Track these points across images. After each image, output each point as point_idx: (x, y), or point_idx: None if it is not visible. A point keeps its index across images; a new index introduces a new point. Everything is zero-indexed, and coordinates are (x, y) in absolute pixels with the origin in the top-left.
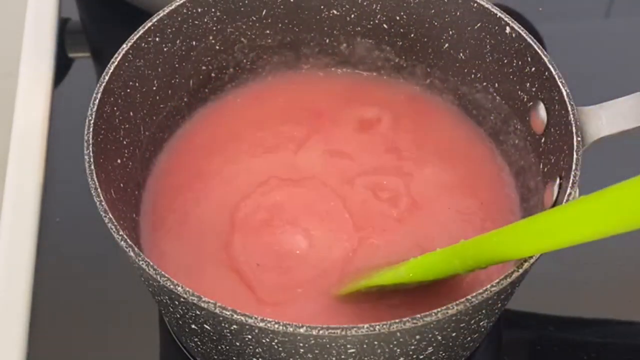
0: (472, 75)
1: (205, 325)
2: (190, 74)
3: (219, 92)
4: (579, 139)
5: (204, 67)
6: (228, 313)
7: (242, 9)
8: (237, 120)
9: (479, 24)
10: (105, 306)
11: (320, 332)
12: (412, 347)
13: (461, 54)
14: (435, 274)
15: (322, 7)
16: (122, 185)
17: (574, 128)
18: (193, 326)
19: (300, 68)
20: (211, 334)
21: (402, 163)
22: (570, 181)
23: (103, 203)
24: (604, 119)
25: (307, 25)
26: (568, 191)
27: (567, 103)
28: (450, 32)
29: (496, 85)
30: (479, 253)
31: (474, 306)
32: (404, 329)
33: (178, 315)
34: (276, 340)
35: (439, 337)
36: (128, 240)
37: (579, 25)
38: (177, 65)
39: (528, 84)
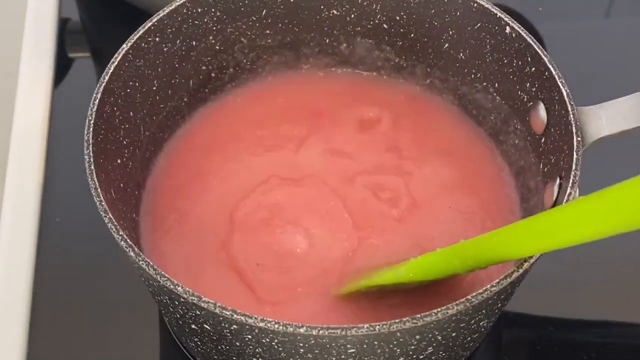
0: (472, 75)
1: (205, 325)
2: (190, 74)
3: (219, 92)
4: (579, 139)
5: (204, 67)
6: (228, 313)
7: (242, 9)
8: (237, 120)
9: (479, 24)
10: (105, 306)
11: (320, 332)
12: (412, 347)
13: (461, 54)
14: (435, 274)
15: (322, 7)
16: (122, 185)
17: (574, 128)
18: (193, 326)
19: (300, 68)
20: (211, 334)
21: (402, 162)
22: (570, 181)
23: (103, 203)
24: (604, 119)
25: (307, 25)
26: (568, 191)
27: (567, 103)
28: (450, 32)
29: (496, 85)
30: (479, 253)
31: (474, 306)
32: (404, 329)
33: (178, 315)
34: (276, 340)
35: (439, 337)
36: (128, 240)
37: (579, 25)
38: (177, 65)
39: (528, 84)
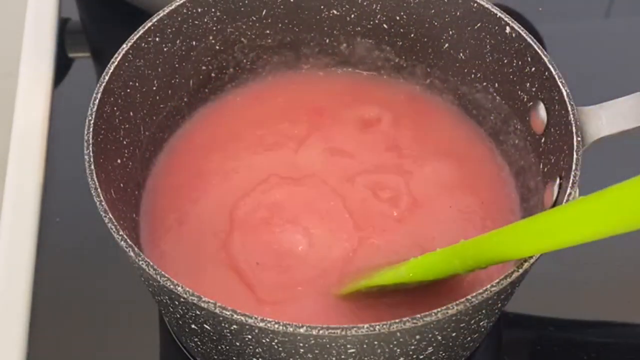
0: (472, 75)
1: (205, 325)
2: (190, 74)
3: (219, 92)
4: (579, 139)
5: (204, 67)
6: (228, 313)
7: (242, 9)
8: (237, 120)
9: (479, 24)
10: (105, 306)
11: (320, 332)
12: (412, 347)
13: (461, 54)
14: (436, 274)
15: (322, 7)
16: (122, 185)
17: (574, 128)
18: (193, 326)
19: (300, 68)
20: (211, 334)
21: (403, 161)
22: (570, 181)
23: (103, 203)
24: (604, 119)
25: (307, 25)
26: (568, 191)
27: (567, 103)
28: (450, 32)
29: (496, 85)
30: (479, 253)
31: (474, 306)
32: (404, 329)
33: (178, 315)
34: (276, 340)
35: (439, 337)
36: (128, 240)
37: (579, 25)
38: (177, 65)
39: (528, 84)
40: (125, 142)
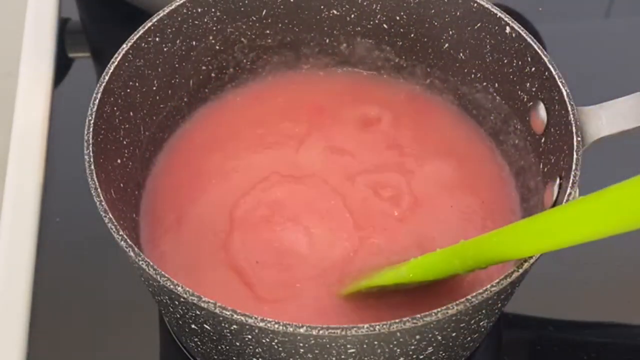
0: (472, 75)
1: (205, 325)
2: (190, 74)
3: (219, 92)
4: (579, 139)
5: (204, 67)
6: (228, 313)
7: (242, 9)
8: (237, 119)
9: (479, 24)
10: (105, 306)
11: (320, 332)
12: (412, 347)
13: (461, 54)
14: (436, 274)
15: (322, 7)
16: (122, 185)
17: (574, 128)
18: (193, 326)
19: (300, 68)
20: (211, 334)
21: (404, 160)
22: (570, 181)
23: (103, 203)
24: (604, 119)
25: (307, 25)
26: (568, 191)
27: (567, 103)
28: (450, 32)
29: (496, 85)
30: (479, 253)
31: (474, 306)
32: (404, 329)
33: (178, 315)
34: (276, 340)
35: (439, 337)
36: (128, 240)
37: (579, 25)
38: (177, 65)
39: (528, 84)
40: (125, 142)
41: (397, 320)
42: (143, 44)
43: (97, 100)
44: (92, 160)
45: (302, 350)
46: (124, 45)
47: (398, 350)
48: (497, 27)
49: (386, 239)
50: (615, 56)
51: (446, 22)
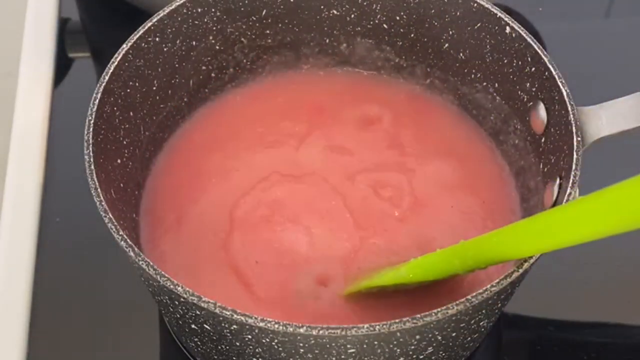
0: (472, 75)
1: (205, 325)
2: (190, 74)
3: (219, 92)
4: (579, 139)
5: (204, 67)
6: (228, 313)
7: (242, 9)
8: (237, 119)
9: (479, 24)
10: (105, 306)
11: (320, 332)
12: (412, 347)
13: (461, 54)
14: (436, 274)
15: (322, 7)
16: (122, 185)
17: (574, 128)
18: (193, 326)
19: (300, 68)
20: (211, 334)
21: (404, 159)
22: (570, 181)
23: (103, 203)
24: (604, 119)
25: (307, 25)
26: (568, 191)
27: (567, 103)
28: (450, 32)
29: (496, 85)
30: (479, 253)
31: (474, 306)
32: (404, 329)
33: (178, 315)
34: (276, 340)
35: (439, 337)
36: (128, 240)
37: (579, 25)
38: (177, 65)
39: (528, 84)
40: (125, 142)
41: (397, 320)
42: (143, 44)
43: (97, 100)
44: (92, 160)
45: (302, 350)
46: (124, 45)
47: (398, 350)
48: (497, 27)
49: (386, 239)
50: (615, 56)
51: (446, 22)
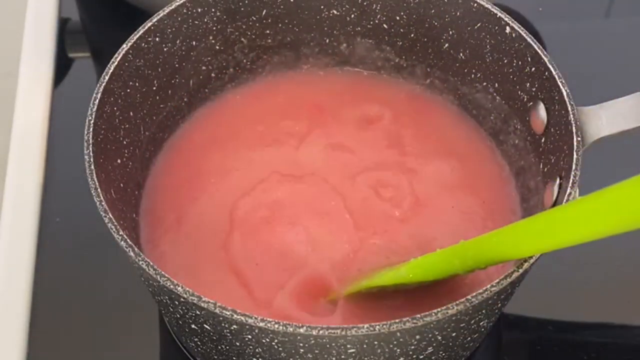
0: (472, 75)
1: (205, 325)
2: (190, 74)
3: (219, 92)
4: (579, 139)
5: (204, 67)
6: (228, 313)
7: (242, 9)
8: (237, 118)
9: (479, 24)
10: (105, 306)
11: (320, 332)
12: (412, 347)
13: (461, 54)
14: (436, 274)
15: (322, 7)
16: (122, 185)
17: (574, 128)
18: (193, 326)
19: (300, 68)
20: (211, 334)
21: (405, 159)
22: (570, 181)
23: (103, 203)
24: (604, 119)
25: (307, 25)
26: (568, 191)
27: (567, 103)
28: (450, 32)
29: (496, 85)
30: (479, 253)
31: (474, 306)
32: (404, 329)
33: (178, 315)
34: (276, 340)
35: (439, 337)
36: (128, 240)
37: (579, 25)
38: (177, 65)
39: (528, 84)
40: (125, 142)
41: (397, 320)
42: (143, 44)
43: (97, 100)
44: (92, 160)
45: (302, 350)
46: (124, 45)
47: (398, 350)
48: (497, 27)
49: (386, 239)
50: (615, 56)
51: (446, 22)
